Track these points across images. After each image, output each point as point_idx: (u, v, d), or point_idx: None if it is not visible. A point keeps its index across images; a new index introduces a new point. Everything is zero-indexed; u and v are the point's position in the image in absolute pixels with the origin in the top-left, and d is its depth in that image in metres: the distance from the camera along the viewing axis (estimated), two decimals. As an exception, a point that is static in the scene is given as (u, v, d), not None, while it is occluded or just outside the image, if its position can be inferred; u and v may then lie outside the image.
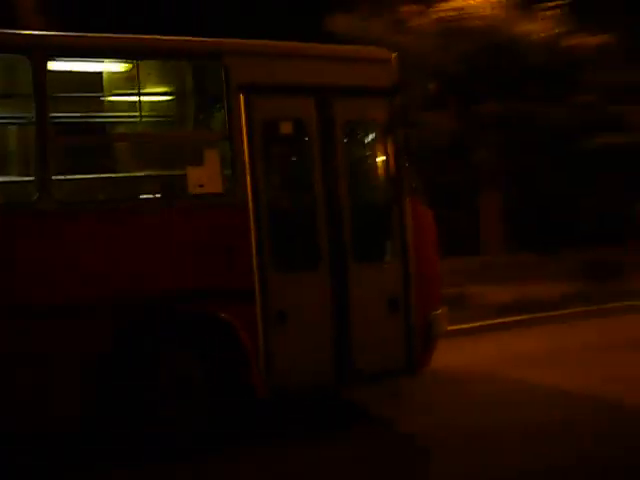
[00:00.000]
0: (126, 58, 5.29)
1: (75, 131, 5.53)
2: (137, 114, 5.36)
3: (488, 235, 16.21)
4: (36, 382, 4.46)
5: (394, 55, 5.85)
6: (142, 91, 5.47)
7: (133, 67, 5.34)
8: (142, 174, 5.76)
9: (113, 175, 5.71)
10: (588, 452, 4.46)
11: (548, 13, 14.37)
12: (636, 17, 14.49)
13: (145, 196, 5.47)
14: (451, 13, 13.91)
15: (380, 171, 6.04)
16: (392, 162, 5.77)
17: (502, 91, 14.05)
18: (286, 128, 5.54)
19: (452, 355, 6.79)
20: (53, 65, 4.76)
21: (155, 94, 5.96)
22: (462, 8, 14.09)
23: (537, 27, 14.24)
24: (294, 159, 5.98)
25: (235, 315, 4.95)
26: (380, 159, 5.97)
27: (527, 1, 14.24)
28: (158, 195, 5.38)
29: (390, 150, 5.77)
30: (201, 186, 5.02)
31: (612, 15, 14.00)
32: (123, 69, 5.56)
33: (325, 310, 5.35)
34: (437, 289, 6.06)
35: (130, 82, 5.48)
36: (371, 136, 6.08)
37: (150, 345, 4.80)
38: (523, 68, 14.22)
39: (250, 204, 5.09)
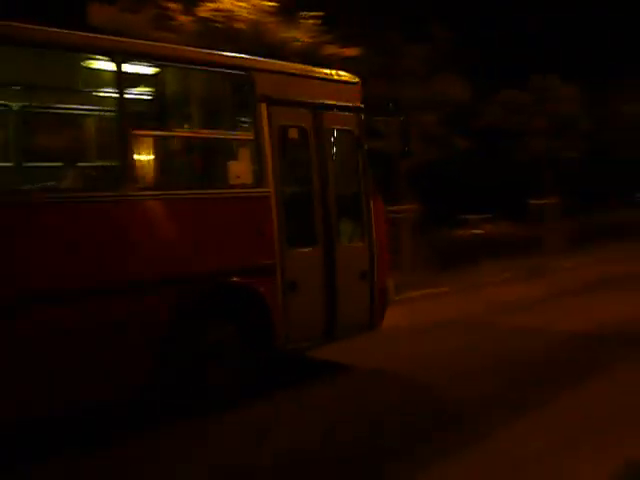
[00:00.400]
0: (182, 65, 6.44)
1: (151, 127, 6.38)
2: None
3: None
4: (116, 351, 5.26)
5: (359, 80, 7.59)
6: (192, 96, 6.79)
7: (185, 74, 6.66)
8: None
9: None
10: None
11: (309, 22, 15.00)
12: (386, 33, 15.52)
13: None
14: (216, 14, 13.97)
15: (353, 169, 7.58)
16: (361, 163, 7.52)
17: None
18: (293, 133, 7.01)
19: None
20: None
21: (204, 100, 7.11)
22: (228, 10, 14.20)
23: (298, 34, 14.81)
24: (298, 157, 7.19)
25: (262, 285, 6.25)
26: (353, 160, 7.55)
27: (289, 9, 14.72)
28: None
29: (360, 153, 7.51)
30: (238, 177, 6.36)
31: (365, 29, 14.94)
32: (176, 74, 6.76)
33: (321, 280, 6.89)
34: (388, 265, 7.76)
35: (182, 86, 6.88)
36: (346, 141, 7.65)
37: (201, 313, 5.85)
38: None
39: (272, 193, 6.41)
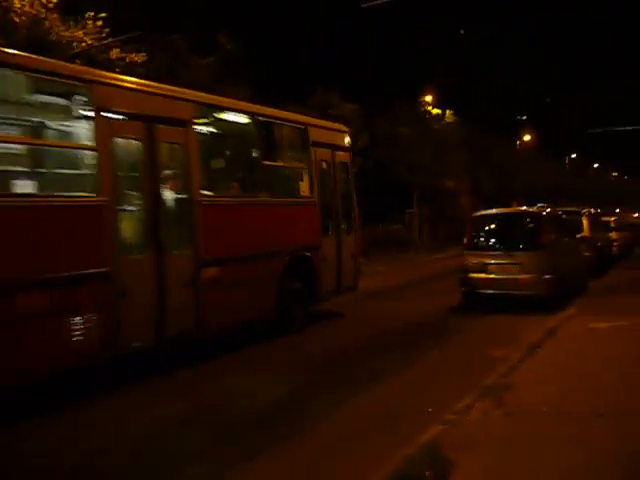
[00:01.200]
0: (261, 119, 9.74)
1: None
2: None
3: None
4: (248, 295, 8.85)
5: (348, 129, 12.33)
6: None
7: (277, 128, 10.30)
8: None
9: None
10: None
11: (97, 23, 14.67)
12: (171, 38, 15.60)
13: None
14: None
15: (349, 189, 11.84)
16: (352, 182, 11.99)
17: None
18: (325, 164, 11.09)
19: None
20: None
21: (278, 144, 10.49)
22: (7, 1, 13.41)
23: (81, 35, 14.42)
24: (327, 179, 11.17)
25: (313, 257, 10.32)
26: (348, 180, 11.85)
27: (70, 7, 14.27)
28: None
29: (351, 175, 12.00)
30: (304, 192, 10.50)
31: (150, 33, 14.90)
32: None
33: (336, 257, 10.95)
34: (361, 250, 12.19)
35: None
36: (344, 168, 11.77)
37: (289, 272, 9.72)
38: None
39: (317, 202, 10.64)
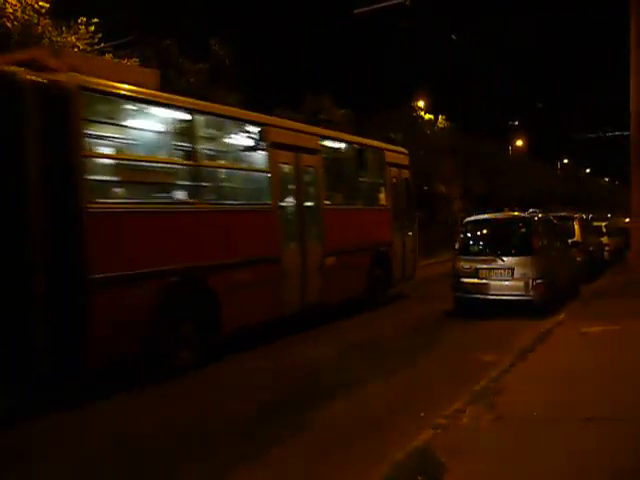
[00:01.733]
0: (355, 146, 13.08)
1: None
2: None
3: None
4: (351, 278, 11.90)
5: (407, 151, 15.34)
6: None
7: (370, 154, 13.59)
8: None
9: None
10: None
11: (90, 28, 14.66)
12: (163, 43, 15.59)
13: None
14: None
15: (411, 199, 15.22)
16: (413, 194, 15.57)
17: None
18: (395, 179, 14.20)
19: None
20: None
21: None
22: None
23: (74, 40, 14.41)
24: (398, 192, 14.38)
25: (389, 251, 13.40)
26: (409, 194, 15.12)
27: (62, 11, 14.26)
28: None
29: (411, 189, 15.46)
30: (382, 201, 13.66)
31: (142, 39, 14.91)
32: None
33: (401, 251, 14.03)
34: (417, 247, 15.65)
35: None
36: (406, 184, 15.04)
37: (374, 262, 12.82)
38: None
39: (391, 209, 13.75)
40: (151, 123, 8.25)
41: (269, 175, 9.91)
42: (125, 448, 5.58)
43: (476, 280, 11.57)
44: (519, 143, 54.14)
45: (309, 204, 10.96)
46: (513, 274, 11.26)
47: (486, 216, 13.60)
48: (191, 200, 8.43)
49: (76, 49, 14.46)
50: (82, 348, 6.65)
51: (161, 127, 8.32)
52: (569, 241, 15.04)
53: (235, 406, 6.67)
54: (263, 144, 9.86)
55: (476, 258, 11.79)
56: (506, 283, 11.31)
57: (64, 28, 14.52)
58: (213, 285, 8.38)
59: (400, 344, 9.64)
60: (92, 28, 14.73)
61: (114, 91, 7.46)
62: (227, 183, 9.49)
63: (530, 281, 11.15)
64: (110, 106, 7.58)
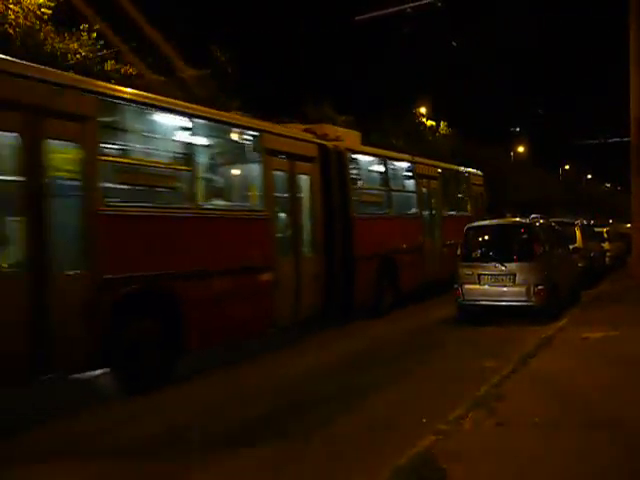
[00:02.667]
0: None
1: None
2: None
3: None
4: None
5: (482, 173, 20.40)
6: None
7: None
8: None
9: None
10: None
11: (84, 35, 14.68)
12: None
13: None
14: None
15: (481, 205, 19.54)
16: (485, 202, 21.17)
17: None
18: (479, 196, 19.28)
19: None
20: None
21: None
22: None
23: (76, 47, 14.45)
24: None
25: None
26: (481, 200, 20.08)
27: (64, 18, 14.30)
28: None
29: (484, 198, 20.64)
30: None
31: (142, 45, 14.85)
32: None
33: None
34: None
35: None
36: (482, 197, 20.17)
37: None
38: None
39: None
40: (378, 167, 13.86)
41: (436, 197, 16.06)
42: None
43: (478, 286, 11.57)
44: (520, 149, 54.17)
45: (438, 213, 15.98)
46: (514, 280, 11.26)
47: (488, 222, 13.60)
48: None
49: (78, 56, 14.54)
50: (352, 295, 11.68)
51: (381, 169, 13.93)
52: (570, 247, 15.04)
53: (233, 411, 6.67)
54: (435, 182, 15.98)
55: (478, 264, 11.79)
56: (507, 289, 11.30)
57: (66, 35, 14.59)
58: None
59: (402, 349, 9.63)
60: (94, 35, 14.79)
61: (360, 150, 13.37)
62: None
63: (531, 287, 11.14)
64: (357, 158, 12.89)
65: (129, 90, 7.94)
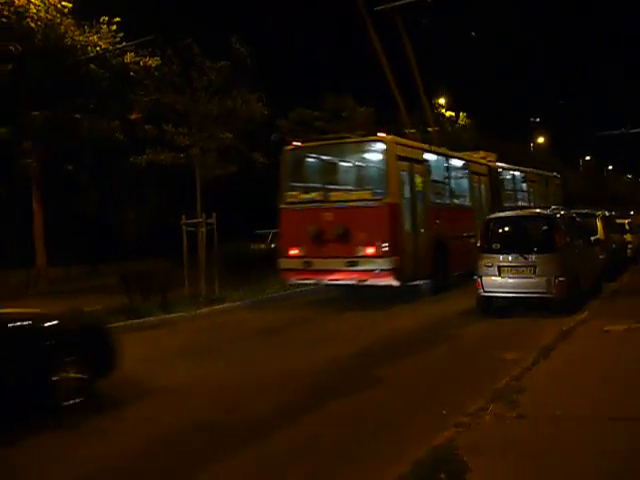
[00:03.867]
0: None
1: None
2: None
3: (38, 247, 15.96)
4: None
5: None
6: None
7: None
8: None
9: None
10: None
11: (112, 27, 14.77)
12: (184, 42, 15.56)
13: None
14: (4, 8, 13.30)
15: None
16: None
17: (52, 98, 13.95)
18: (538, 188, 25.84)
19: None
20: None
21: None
22: (20, 6, 13.54)
23: (95, 39, 14.55)
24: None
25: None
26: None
27: (87, 12, 14.42)
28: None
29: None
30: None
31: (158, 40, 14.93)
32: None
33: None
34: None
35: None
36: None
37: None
38: (77, 77, 14.32)
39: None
40: (507, 176, 21.55)
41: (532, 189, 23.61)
42: None
43: (498, 278, 11.49)
44: (541, 140, 53.61)
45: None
46: (535, 271, 11.17)
47: (509, 213, 13.48)
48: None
49: (98, 48, 14.62)
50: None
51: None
52: (592, 238, 14.88)
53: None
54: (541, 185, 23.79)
55: (498, 255, 11.70)
56: (528, 280, 11.21)
57: (86, 27, 14.69)
58: None
59: (422, 341, 9.62)
60: (114, 27, 14.88)
61: (501, 166, 20.99)
62: None
63: (552, 278, 11.05)
64: (501, 172, 20.83)
65: (433, 147, 16.30)
